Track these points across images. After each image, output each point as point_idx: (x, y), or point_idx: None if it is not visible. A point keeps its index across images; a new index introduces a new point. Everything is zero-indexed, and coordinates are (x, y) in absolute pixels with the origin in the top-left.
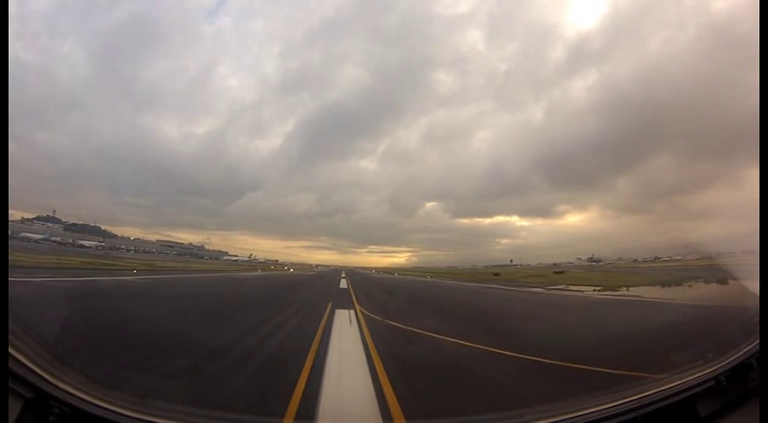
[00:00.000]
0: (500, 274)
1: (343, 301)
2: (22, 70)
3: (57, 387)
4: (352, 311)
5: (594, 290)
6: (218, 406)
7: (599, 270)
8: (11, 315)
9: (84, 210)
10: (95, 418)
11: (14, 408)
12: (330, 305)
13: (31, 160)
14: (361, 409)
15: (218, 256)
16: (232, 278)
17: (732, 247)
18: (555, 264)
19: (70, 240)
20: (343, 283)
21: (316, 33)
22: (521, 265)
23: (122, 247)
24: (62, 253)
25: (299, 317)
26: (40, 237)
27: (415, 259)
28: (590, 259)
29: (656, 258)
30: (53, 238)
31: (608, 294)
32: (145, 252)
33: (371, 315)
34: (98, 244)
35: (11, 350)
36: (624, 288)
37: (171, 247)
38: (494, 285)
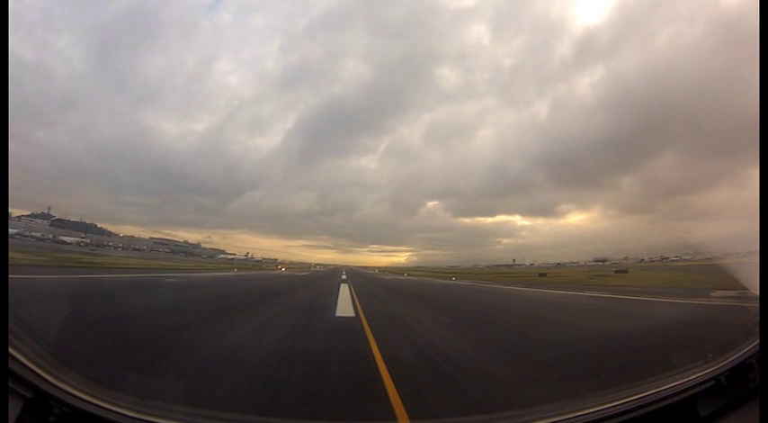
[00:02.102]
0: (546, 274)
1: None
2: (19, 66)
3: (57, 387)
4: None
5: None
6: None
7: (638, 269)
8: (11, 315)
9: (84, 208)
10: (95, 418)
11: (14, 408)
12: None
13: (29, 159)
14: None
15: (213, 254)
16: (160, 283)
17: (738, 248)
18: (558, 264)
19: (50, 236)
20: (345, 296)
21: (317, 26)
22: (523, 264)
23: (110, 244)
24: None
25: None
26: (15, 231)
27: (415, 259)
28: (596, 259)
29: (663, 258)
30: (31, 234)
31: None
32: (135, 249)
33: None
34: (80, 240)
35: (11, 350)
36: None
37: (165, 244)
38: (596, 293)
